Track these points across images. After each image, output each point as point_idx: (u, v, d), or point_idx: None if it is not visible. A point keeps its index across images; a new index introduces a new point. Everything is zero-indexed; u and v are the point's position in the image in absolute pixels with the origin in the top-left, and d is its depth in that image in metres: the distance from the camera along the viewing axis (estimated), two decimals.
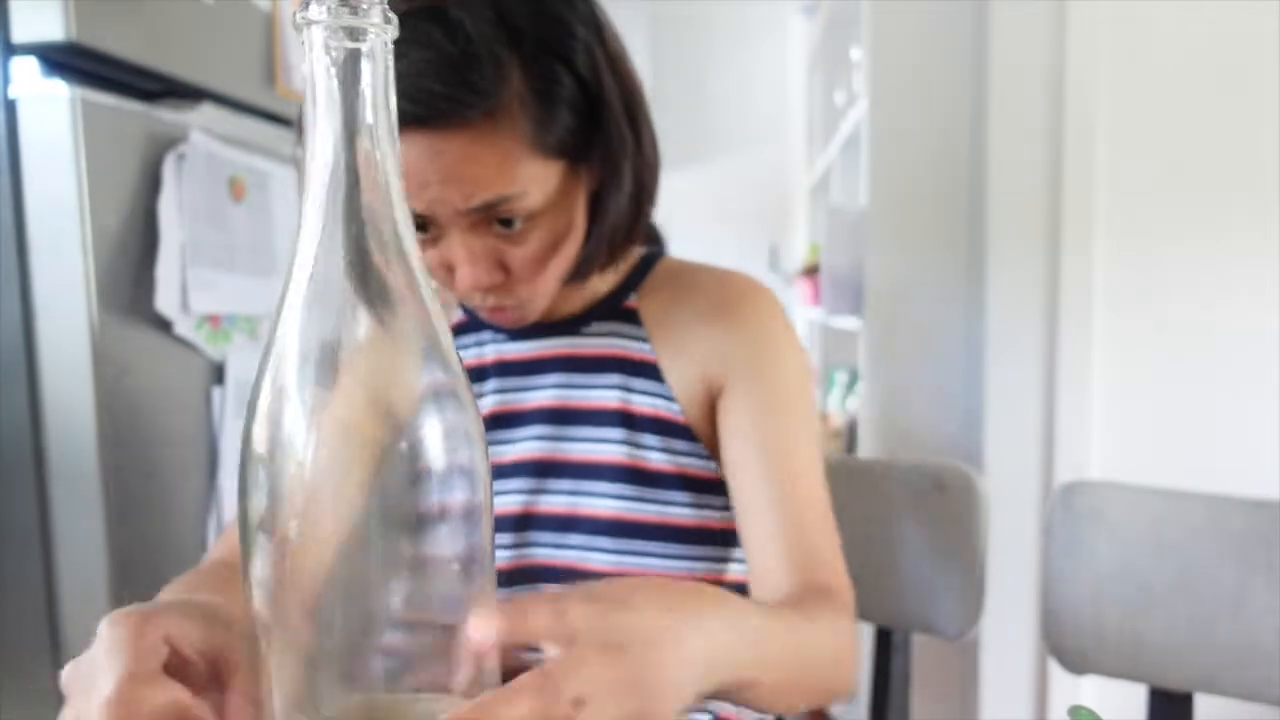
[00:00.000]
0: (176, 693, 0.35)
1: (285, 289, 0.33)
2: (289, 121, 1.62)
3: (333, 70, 0.33)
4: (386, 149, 0.34)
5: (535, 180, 0.61)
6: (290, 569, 0.32)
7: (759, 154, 3.56)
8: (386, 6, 0.33)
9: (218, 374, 1.22)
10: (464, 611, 0.35)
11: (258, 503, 0.32)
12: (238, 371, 1.27)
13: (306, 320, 0.33)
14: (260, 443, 0.32)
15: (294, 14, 0.33)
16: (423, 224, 0.61)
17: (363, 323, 0.33)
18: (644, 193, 0.70)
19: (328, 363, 0.33)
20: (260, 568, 0.33)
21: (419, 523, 0.33)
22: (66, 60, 1.03)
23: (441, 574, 0.34)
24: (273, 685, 0.33)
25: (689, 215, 3.35)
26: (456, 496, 0.34)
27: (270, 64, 1.39)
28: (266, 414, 0.32)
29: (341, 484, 0.32)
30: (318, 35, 0.33)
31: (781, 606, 0.60)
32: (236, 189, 1.24)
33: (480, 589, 0.35)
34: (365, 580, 0.33)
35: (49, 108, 1.00)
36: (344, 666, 0.34)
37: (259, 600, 0.33)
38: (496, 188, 0.59)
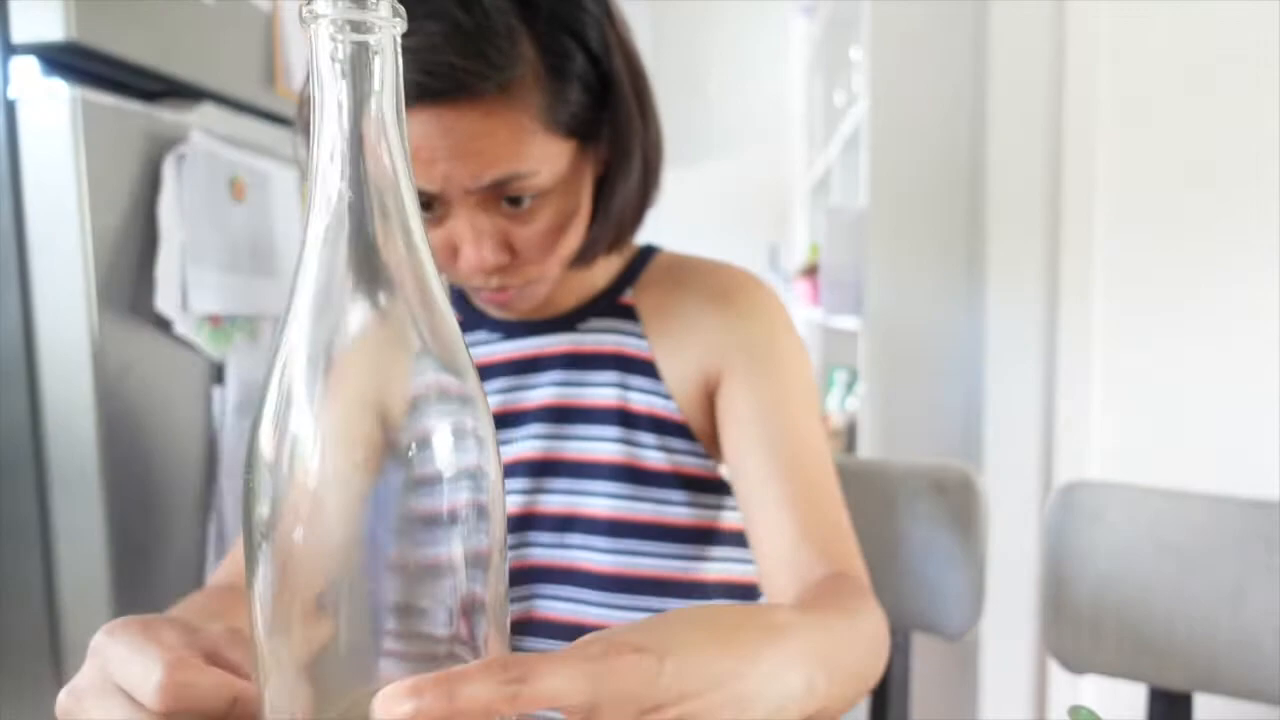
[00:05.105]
0: (222, 675, 0.35)
1: (292, 292, 0.32)
2: (289, 121, 1.62)
3: (339, 66, 0.32)
4: (395, 146, 0.33)
5: (546, 158, 0.61)
6: (294, 576, 0.32)
7: (759, 154, 3.55)
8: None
9: (218, 374, 1.22)
10: (473, 621, 0.34)
11: (264, 509, 0.32)
12: (238, 371, 1.27)
13: (314, 323, 0.32)
14: (267, 448, 0.32)
15: (300, 9, 0.33)
16: (428, 203, 0.61)
17: (370, 325, 0.32)
18: (651, 177, 0.70)
19: (335, 367, 0.32)
20: (264, 574, 0.32)
21: (425, 528, 0.32)
22: (66, 60, 1.03)
23: (450, 581, 0.33)
24: (272, 694, 0.33)
25: (689, 215, 3.34)
26: (464, 500, 0.33)
27: (270, 64, 1.39)
28: (273, 419, 0.32)
29: (349, 490, 0.32)
30: (324, 30, 0.32)
31: (827, 611, 0.54)
32: (236, 189, 1.24)
33: (492, 594, 0.34)
34: (369, 588, 0.33)
35: (49, 108, 1.00)
36: (345, 676, 0.33)
37: (261, 607, 0.32)
38: (508, 164, 0.59)
